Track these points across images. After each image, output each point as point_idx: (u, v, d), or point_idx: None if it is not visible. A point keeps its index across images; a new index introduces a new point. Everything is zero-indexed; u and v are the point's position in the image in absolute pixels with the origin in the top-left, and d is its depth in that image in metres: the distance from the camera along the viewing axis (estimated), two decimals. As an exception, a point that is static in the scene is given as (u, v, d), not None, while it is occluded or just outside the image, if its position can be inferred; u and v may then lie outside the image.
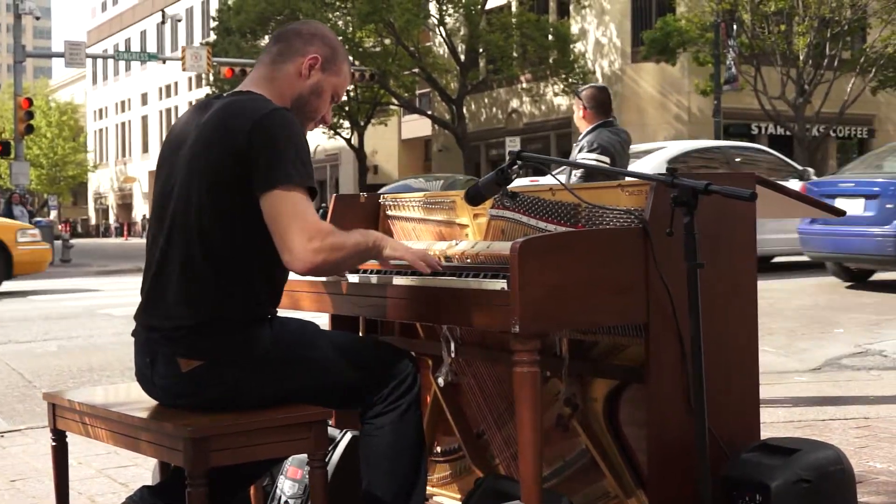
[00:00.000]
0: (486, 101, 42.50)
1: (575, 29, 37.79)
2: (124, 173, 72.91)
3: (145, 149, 69.62)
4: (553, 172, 3.09)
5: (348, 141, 42.00)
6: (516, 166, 2.81)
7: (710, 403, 2.54)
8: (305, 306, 3.17)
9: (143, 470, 4.07)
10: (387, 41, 36.85)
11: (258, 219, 2.49)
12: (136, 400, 2.68)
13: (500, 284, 2.45)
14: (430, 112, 41.49)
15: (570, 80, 35.56)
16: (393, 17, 34.16)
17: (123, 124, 75.06)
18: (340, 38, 36.87)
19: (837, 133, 36.38)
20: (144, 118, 71.13)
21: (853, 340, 7.45)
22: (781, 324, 8.41)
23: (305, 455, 2.61)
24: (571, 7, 37.88)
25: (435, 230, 3.40)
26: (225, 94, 2.71)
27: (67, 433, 2.84)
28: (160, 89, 68.37)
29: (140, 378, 2.67)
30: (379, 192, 4.64)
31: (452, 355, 3.28)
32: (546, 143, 39.09)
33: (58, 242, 25.66)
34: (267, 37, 34.52)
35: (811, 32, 29.82)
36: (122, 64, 70.91)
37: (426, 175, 29.41)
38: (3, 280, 14.15)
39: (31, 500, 3.83)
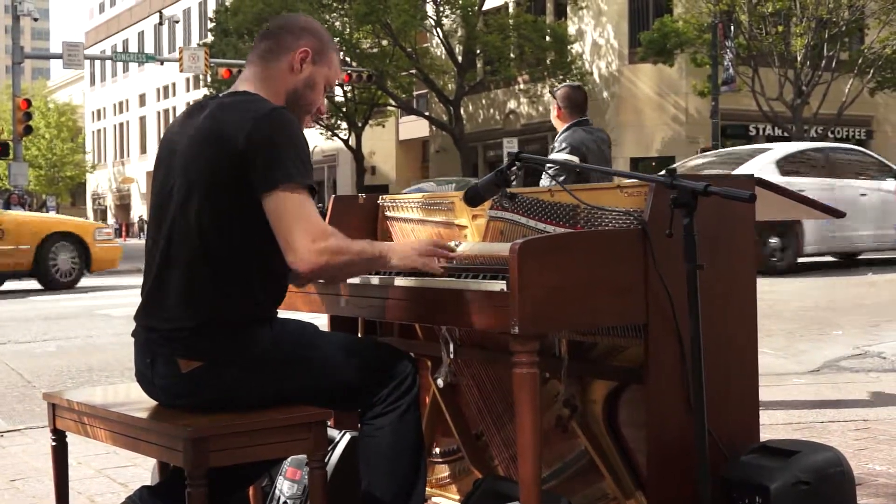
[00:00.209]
0: (483, 102, 42.51)
1: (572, 30, 37.82)
2: (122, 174, 72.90)
3: (143, 150, 69.61)
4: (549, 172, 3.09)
5: (346, 142, 42.02)
6: (515, 167, 2.81)
7: (710, 404, 2.53)
8: (303, 307, 3.17)
9: (142, 470, 4.07)
10: (384, 42, 36.89)
11: (257, 219, 2.49)
12: (135, 400, 2.68)
13: (499, 285, 2.45)
14: (427, 113, 41.51)
15: (568, 81, 35.57)
16: (390, 19, 34.20)
17: (121, 125, 75.08)
18: (337, 39, 36.91)
19: (835, 134, 36.37)
20: (142, 119, 71.13)
21: (852, 342, 7.45)
22: (780, 325, 8.41)
23: (304, 455, 2.60)
24: (569, 8, 37.93)
25: (434, 231, 3.40)
26: (220, 95, 2.71)
27: (67, 433, 2.84)
28: (158, 90, 68.39)
29: (140, 379, 2.67)
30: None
31: (451, 356, 3.28)
32: (544, 144, 39.07)
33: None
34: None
35: (809, 33, 29.84)
36: (119, 65, 70.94)
37: (437, 179, 29.47)
38: (83, 275, 15.20)
39: (30, 500, 3.83)
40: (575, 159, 5.89)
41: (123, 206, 73.48)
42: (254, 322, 2.58)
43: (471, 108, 42.02)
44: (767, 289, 10.77)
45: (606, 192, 2.84)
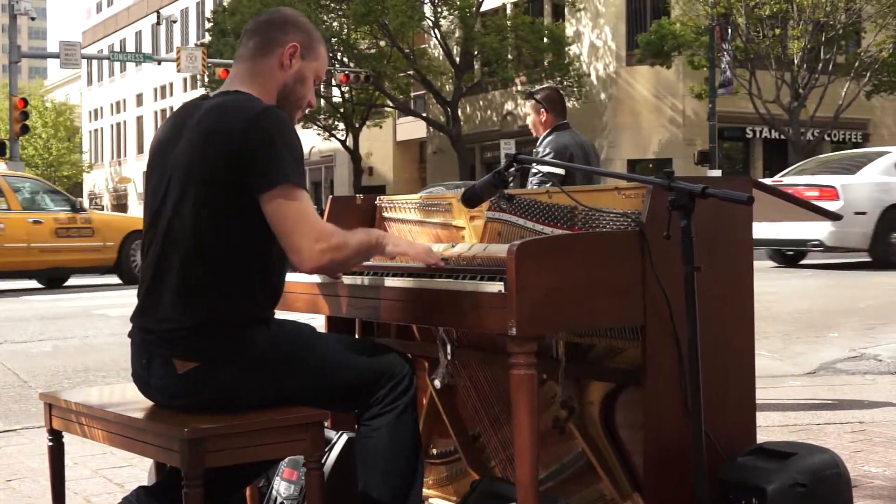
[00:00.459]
0: (480, 103, 42.52)
1: (570, 31, 37.85)
2: (119, 174, 72.80)
3: (140, 150, 69.50)
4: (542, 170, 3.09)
5: (343, 143, 42.02)
6: (513, 168, 2.81)
7: (707, 406, 2.53)
8: (301, 308, 3.17)
9: (139, 470, 4.07)
10: (382, 43, 36.91)
11: (254, 219, 2.50)
12: (132, 400, 2.68)
13: (496, 287, 2.45)
14: (424, 114, 41.51)
15: (565, 82, 35.60)
16: (388, 19, 34.22)
17: (118, 125, 74.98)
18: (335, 39, 36.90)
19: (832, 137, 36.43)
20: (139, 119, 71.05)
21: (848, 345, 7.45)
22: (776, 327, 8.41)
23: (300, 456, 2.60)
24: (566, 10, 37.97)
25: (432, 232, 3.40)
26: (212, 95, 2.71)
27: (63, 433, 2.83)
28: (155, 90, 68.31)
29: (136, 379, 2.67)
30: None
31: (449, 357, 3.27)
32: (541, 146, 39.06)
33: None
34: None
35: (806, 36, 29.91)
36: (117, 65, 70.79)
37: (446, 183, 29.48)
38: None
39: (26, 500, 3.82)
40: (561, 172, 5.71)
41: (120, 206, 73.34)
42: (251, 323, 2.58)
43: (468, 109, 42.04)
44: (763, 291, 10.76)
45: (604, 194, 2.84)
